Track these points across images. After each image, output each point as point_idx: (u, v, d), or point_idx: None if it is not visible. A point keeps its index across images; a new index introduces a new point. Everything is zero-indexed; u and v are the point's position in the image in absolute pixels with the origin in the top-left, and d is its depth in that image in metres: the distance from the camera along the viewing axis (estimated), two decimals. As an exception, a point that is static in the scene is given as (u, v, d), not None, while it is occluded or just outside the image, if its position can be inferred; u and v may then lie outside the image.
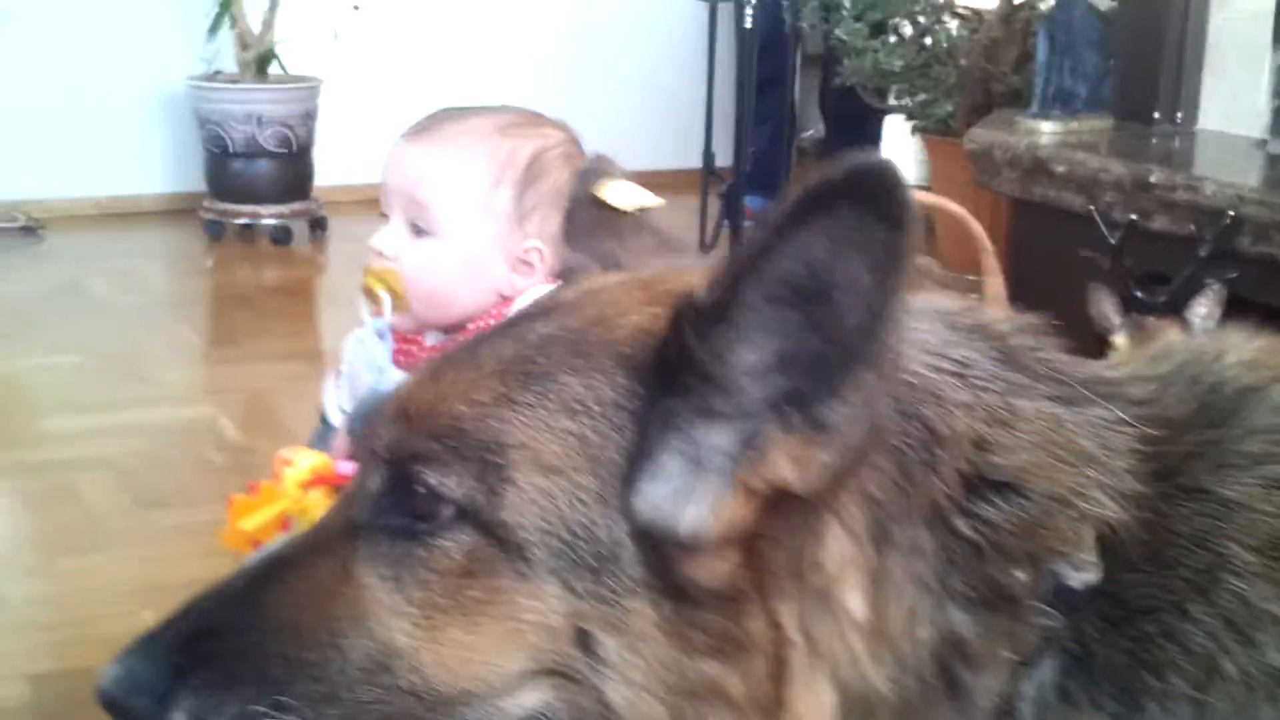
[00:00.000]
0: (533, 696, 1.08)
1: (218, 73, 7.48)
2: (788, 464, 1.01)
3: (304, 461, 2.14)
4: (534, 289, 2.44)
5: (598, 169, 1.58)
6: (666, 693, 1.05)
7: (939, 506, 1.07)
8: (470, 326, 2.48)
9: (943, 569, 1.06)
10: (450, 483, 1.06)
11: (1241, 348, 1.24)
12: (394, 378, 2.49)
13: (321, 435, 2.63)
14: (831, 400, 0.99)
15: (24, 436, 4.53)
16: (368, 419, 2.14)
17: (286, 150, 7.30)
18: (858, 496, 1.05)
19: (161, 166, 7.84)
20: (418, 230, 2.47)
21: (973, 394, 1.10)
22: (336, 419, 2.60)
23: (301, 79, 7.45)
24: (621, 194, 1.52)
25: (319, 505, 2.12)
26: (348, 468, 2.17)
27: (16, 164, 7.36)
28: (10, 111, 7.36)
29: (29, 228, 7.18)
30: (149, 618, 3.29)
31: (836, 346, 0.98)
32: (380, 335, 2.57)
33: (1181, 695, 1.06)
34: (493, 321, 2.43)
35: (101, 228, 7.50)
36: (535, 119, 2.51)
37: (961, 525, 1.07)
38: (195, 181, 7.56)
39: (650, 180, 1.53)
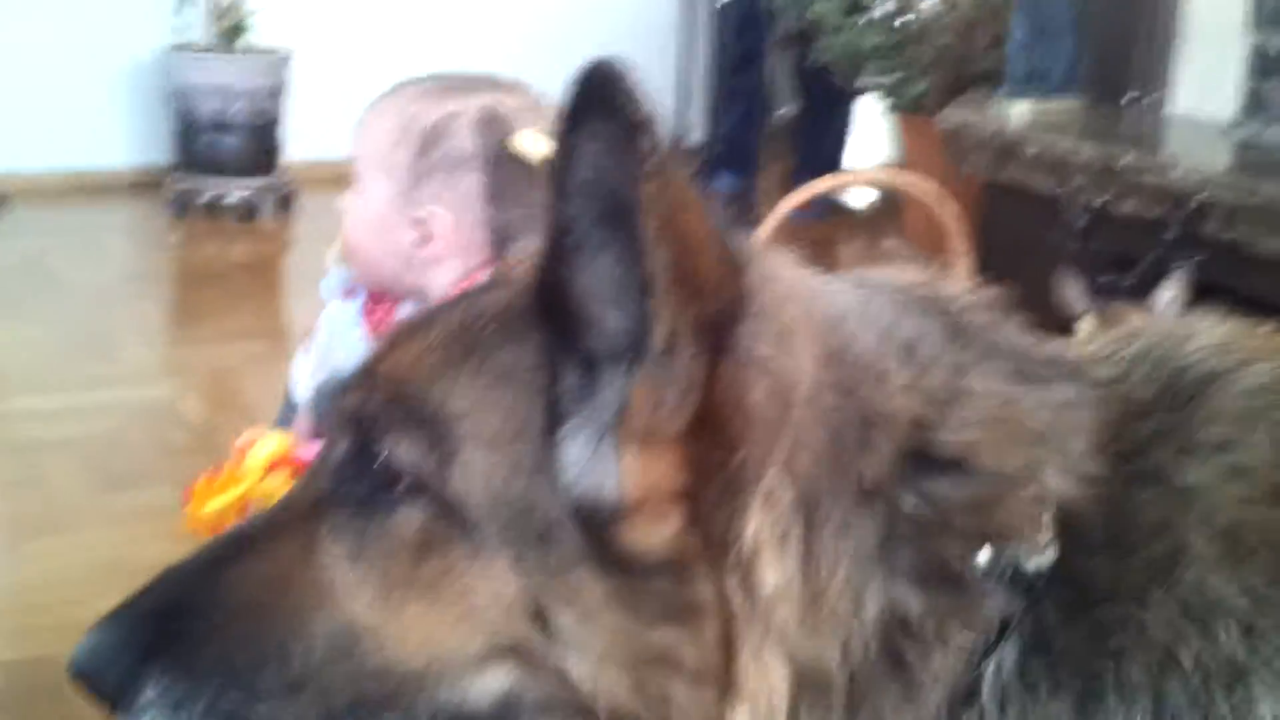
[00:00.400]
0: (497, 677, 1.07)
1: (187, 44, 7.40)
2: (645, 407, 1.01)
3: (266, 444, 2.12)
4: (447, 259, 2.44)
5: (501, 122, 1.56)
6: (626, 663, 1.04)
7: (874, 485, 1.05)
8: (440, 299, 2.47)
9: (885, 545, 1.05)
10: (402, 449, 1.06)
11: (1210, 331, 1.22)
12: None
13: (286, 413, 2.62)
14: (654, 329, 0.99)
15: (-13, 416, 4.48)
16: (332, 396, 2.14)
17: (255, 124, 7.23)
18: (784, 472, 1.04)
19: (129, 139, 7.76)
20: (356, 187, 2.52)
21: (917, 372, 1.09)
22: (302, 395, 2.59)
23: (271, 51, 7.38)
24: (534, 142, 1.51)
25: (281, 489, 2.11)
26: (311, 451, 2.16)
27: (-21, 135, 7.29)
28: (-25, 83, 7.29)
29: (-6, 201, 7.11)
30: (111, 604, 3.25)
31: (642, 268, 0.98)
32: (349, 295, 2.57)
33: (1139, 684, 1.04)
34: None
35: (67, 201, 7.42)
36: (479, 85, 2.47)
37: (906, 501, 1.05)
38: (162, 155, 7.50)
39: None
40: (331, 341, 2.59)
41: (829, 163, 7.29)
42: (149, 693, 1.09)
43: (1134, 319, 3.19)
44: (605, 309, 1.02)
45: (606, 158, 0.95)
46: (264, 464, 2.12)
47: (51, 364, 4.97)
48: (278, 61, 7.35)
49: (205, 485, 2.06)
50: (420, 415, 1.06)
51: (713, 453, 1.03)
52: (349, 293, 2.61)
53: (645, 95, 0.93)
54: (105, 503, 3.85)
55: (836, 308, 1.12)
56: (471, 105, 2.38)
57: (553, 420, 1.05)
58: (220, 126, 7.18)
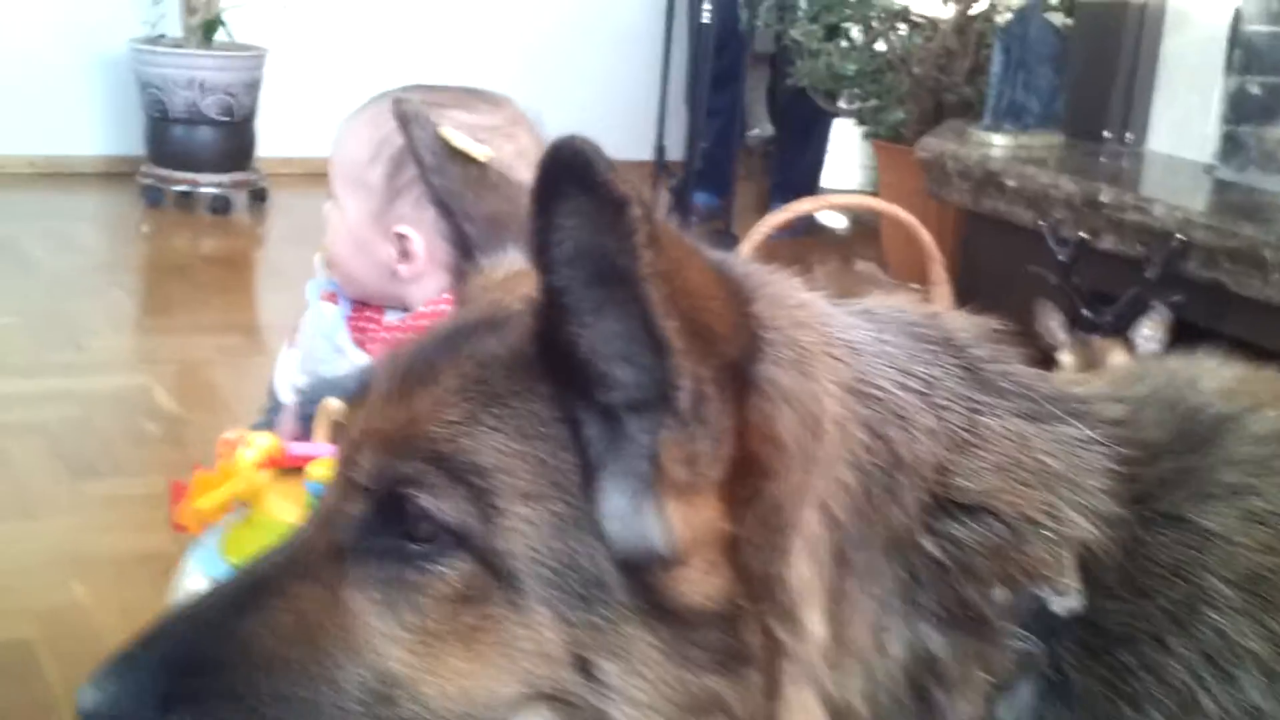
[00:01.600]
0: None
1: (161, 36, 7.37)
2: (678, 462, 1.00)
3: (256, 443, 2.12)
4: (428, 275, 2.45)
5: (412, 112, 1.38)
6: (672, 710, 1.03)
7: (900, 532, 1.05)
8: (423, 309, 2.48)
9: (909, 588, 1.05)
10: (445, 507, 1.03)
11: (1216, 374, 1.24)
12: (353, 359, 2.48)
13: (271, 411, 2.62)
14: (677, 388, 0.98)
15: (-48, 398, 4.43)
16: (324, 401, 2.13)
17: (228, 119, 7.20)
18: (822, 516, 1.03)
19: (100, 128, 7.71)
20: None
21: (937, 416, 1.09)
22: (286, 396, 2.58)
23: (247, 48, 7.35)
24: (463, 139, 1.39)
25: (267, 488, 2.10)
26: (299, 449, 2.16)
27: (-51, 117, 7.23)
28: (-54, 64, 7.23)
29: (-41, 183, 7.05)
30: (78, 590, 3.21)
31: (653, 333, 0.96)
32: (333, 299, 2.57)
33: None
34: (444, 306, 2.43)
35: (36, 186, 7.36)
36: (461, 99, 2.47)
37: (928, 545, 1.05)
38: (134, 145, 7.45)
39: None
40: (314, 345, 2.59)
41: (805, 184, 7.33)
42: None
43: (1113, 354, 3.22)
44: (615, 365, 1.00)
45: (591, 232, 0.93)
46: (254, 462, 2.11)
47: (19, 348, 4.92)
48: (254, 59, 7.32)
49: (201, 482, 2.05)
50: (455, 470, 1.03)
51: (750, 489, 1.02)
52: (332, 296, 2.61)
53: (618, 168, 0.91)
54: (71, 490, 3.81)
55: (852, 339, 1.11)
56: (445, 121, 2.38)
57: (586, 474, 1.03)
58: (193, 120, 7.14)
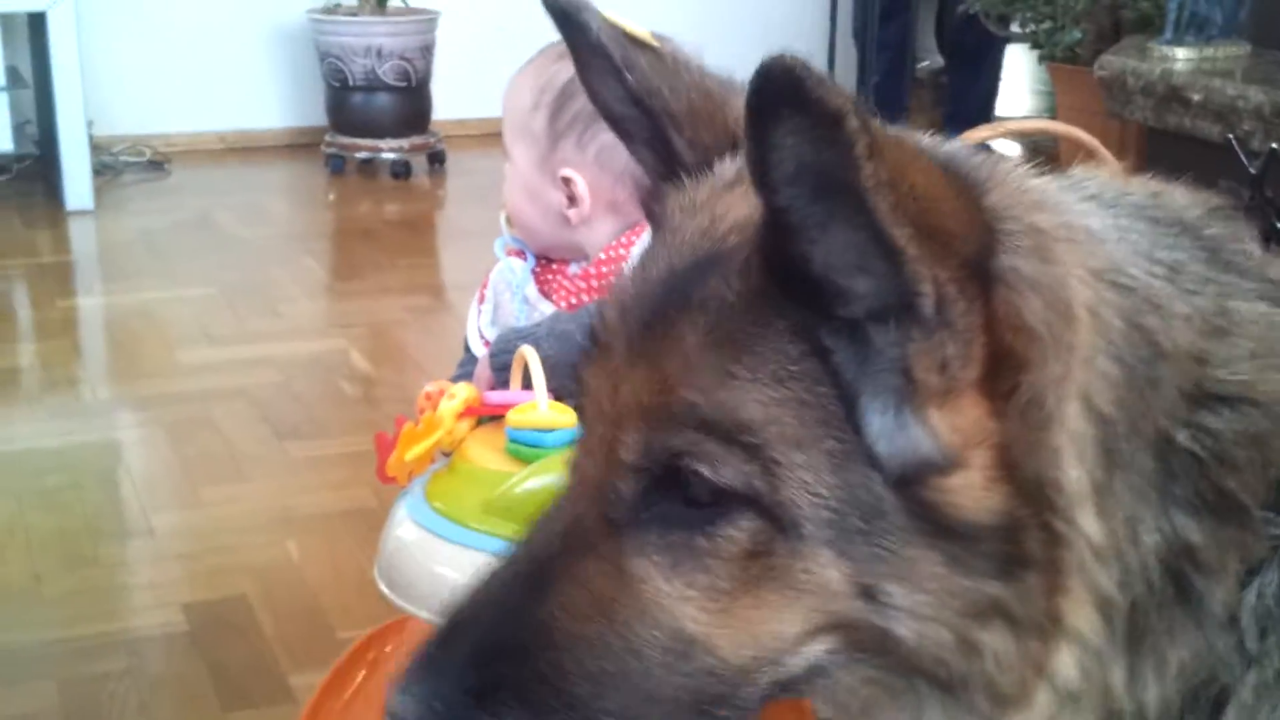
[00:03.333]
0: (817, 648, 1.07)
1: (337, 5, 7.54)
2: (932, 369, 0.99)
3: (457, 394, 2.18)
4: (597, 219, 2.48)
5: (579, 4, 1.24)
6: (953, 617, 1.03)
7: (1159, 424, 1.04)
8: (601, 256, 2.52)
9: (1163, 479, 1.04)
10: (727, 474, 1.03)
11: None
12: (540, 310, 2.55)
13: (465, 364, 2.69)
14: (919, 295, 0.97)
15: (162, 368, 4.63)
16: (519, 350, 2.19)
17: (405, 84, 7.34)
18: (1086, 410, 1.02)
19: (283, 100, 7.94)
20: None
21: (1189, 302, 1.06)
22: (478, 348, 2.65)
23: (420, 11, 7.48)
24: (636, 25, 1.27)
25: (470, 437, 2.17)
26: (496, 398, 2.22)
27: (142, 99, 7.52)
28: (135, 47, 7.50)
29: (155, 162, 7.33)
30: (290, 547, 3.35)
31: (877, 239, 0.94)
32: (519, 254, 2.64)
33: None
34: (623, 251, 2.47)
35: (225, 161, 7.64)
36: None
37: (1182, 437, 1.04)
38: (316, 116, 7.66)
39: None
40: (503, 299, 2.66)
41: (979, 113, 7.21)
42: None
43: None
44: (851, 277, 0.98)
45: (810, 149, 0.91)
46: (454, 412, 2.17)
47: (220, 318, 5.12)
48: (427, 22, 7.44)
49: (407, 434, 2.12)
50: (726, 435, 1.03)
51: (1010, 382, 1.01)
52: (519, 253, 2.67)
53: (833, 82, 0.89)
54: (277, 451, 3.97)
55: (1091, 225, 1.09)
56: None
57: (846, 402, 1.02)
58: (372, 87, 7.30)
